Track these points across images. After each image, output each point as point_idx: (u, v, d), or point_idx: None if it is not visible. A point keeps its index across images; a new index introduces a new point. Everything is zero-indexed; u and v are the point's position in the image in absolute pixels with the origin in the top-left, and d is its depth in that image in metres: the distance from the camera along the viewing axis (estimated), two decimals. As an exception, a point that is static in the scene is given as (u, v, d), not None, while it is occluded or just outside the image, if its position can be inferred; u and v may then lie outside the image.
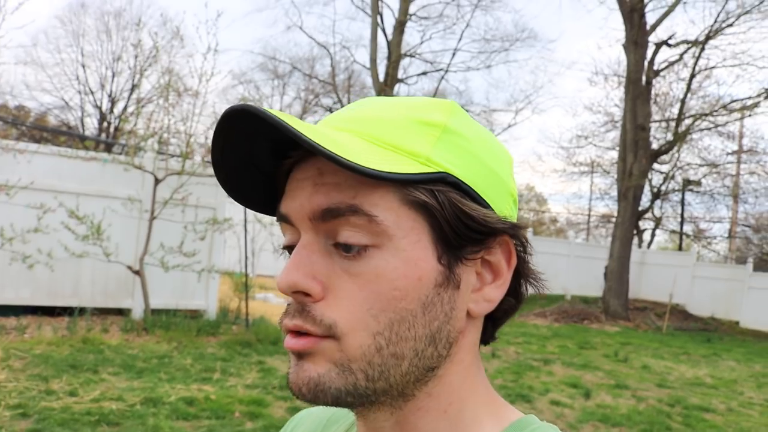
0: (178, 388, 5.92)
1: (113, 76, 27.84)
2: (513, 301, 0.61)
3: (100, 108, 27.87)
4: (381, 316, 0.53)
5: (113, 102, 27.92)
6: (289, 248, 0.59)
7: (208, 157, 9.01)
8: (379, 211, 0.53)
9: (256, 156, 0.59)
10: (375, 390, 0.54)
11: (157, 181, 8.37)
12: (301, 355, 0.54)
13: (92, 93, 27.85)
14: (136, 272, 8.28)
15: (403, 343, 0.53)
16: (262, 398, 5.94)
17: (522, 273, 0.60)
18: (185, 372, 6.56)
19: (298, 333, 0.54)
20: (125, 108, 27.81)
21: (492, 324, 0.63)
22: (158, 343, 7.63)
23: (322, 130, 0.53)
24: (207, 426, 5.08)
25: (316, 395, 0.53)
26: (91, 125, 28.42)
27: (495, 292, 0.58)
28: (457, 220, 0.55)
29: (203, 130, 9.08)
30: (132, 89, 27.49)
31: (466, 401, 0.59)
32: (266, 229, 12.86)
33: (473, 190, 0.56)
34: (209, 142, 8.98)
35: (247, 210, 9.77)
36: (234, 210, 11.41)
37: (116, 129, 27.43)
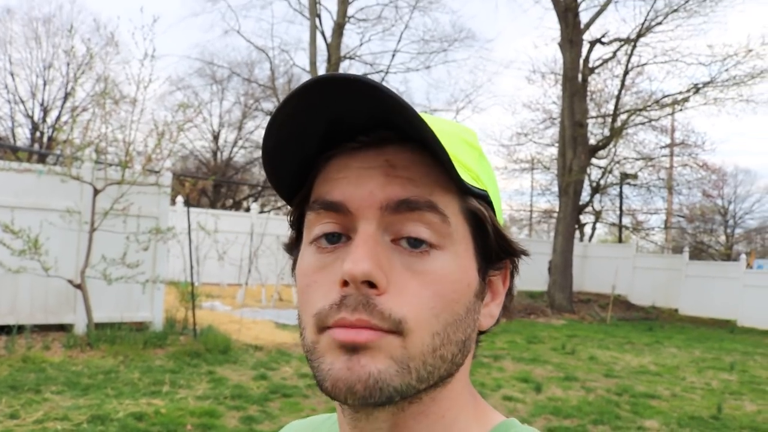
0: (126, 404, 5.75)
1: (45, 85, 26.93)
2: (501, 318, 0.64)
3: (32, 117, 26.91)
4: (441, 317, 0.53)
5: (45, 111, 27.00)
6: (328, 236, 0.56)
7: (148, 165, 8.79)
8: (450, 213, 0.54)
9: (306, 134, 0.55)
10: (418, 391, 0.54)
11: (96, 192, 8.12)
12: (355, 349, 0.51)
13: (23, 102, 26.87)
14: (77, 286, 8.02)
15: (449, 346, 0.54)
16: (214, 409, 5.83)
17: (509, 293, 0.63)
18: (133, 386, 6.38)
19: (366, 326, 0.52)
20: (59, 117, 26.94)
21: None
22: (103, 358, 7.39)
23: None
24: (158, 441, 4.95)
25: (372, 393, 0.51)
26: (23, 135, 27.42)
27: (496, 310, 0.61)
28: (495, 237, 0.58)
29: (142, 138, 8.85)
30: (65, 97, 26.65)
31: (462, 407, 0.60)
32: (210, 237, 12.65)
33: (494, 212, 0.59)
34: (148, 150, 8.77)
35: (191, 218, 9.59)
36: (177, 218, 11.18)
37: (50, 139, 26.53)
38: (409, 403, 0.56)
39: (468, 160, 0.58)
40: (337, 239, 0.55)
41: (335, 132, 0.55)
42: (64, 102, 26.83)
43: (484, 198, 0.57)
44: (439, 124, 0.59)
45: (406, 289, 0.52)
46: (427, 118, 0.57)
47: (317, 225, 0.56)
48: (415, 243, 0.53)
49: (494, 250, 0.58)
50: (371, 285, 0.51)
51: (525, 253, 0.61)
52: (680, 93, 19.77)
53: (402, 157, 0.54)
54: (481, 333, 0.62)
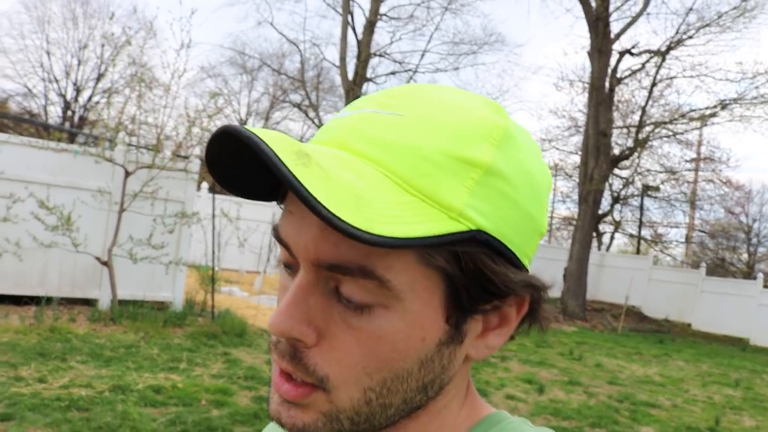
0: (146, 377, 6.07)
1: (79, 65, 27.50)
2: (509, 339, 0.59)
3: (64, 96, 27.50)
4: (375, 375, 0.50)
5: (78, 91, 27.58)
6: (287, 266, 0.55)
7: (178, 152, 9.13)
8: (393, 274, 0.48)
9: (247, 166, 0.54)
10: (359, 430, 0.53)
11: (127, 174, 8.47)
12: (293, 403, 0.52)
13: (57, 81, 27.48)
14: (104, 263, 8.37)
15: (392, 396, 0.52)
16: (228, 387, 6.12)
17: (530, 318, 0.57)
18: (152, 361, 6.70)
19: (290, 377, 0.52)
20: (91, 97, 27.49)
21: None
22: (125, 333, 7.74)
23: (342, 177, 0.46)
24: (174, 413, 5.24)
25: None
26: (55, 113, 28.03)
27: (497, 340, 0.56)
28: (476, 282, 0.50)
29: (173, 125, 9.18)
30: (98, 78, 27.16)
31: (447, 418, 0.59)
32: (232, 224, 12.98)
33: (502, 244, 0.51)
34: (180, 137, 9.10)
35: (215, 205, 9.91)
36: (202, 204, 11.51)
37: (81, 118, 27.12)
38: (386, 428, 0.55)
39: (449, 192, 0.48)
40: (292, 269, 0.54)
41: None
42: (96, 83, 27.37)
43: (470, 239, 0.49)
44: (416, 133, 0.50)
45: (338, 344, 0.50)
46: (402, 125, 0.51)
47: (281, 247, 0.54)
48: (350, 302, 0.49)
49: (476, 296, 0.51)
50: (297, 339, 0.50)
51: (535, 290, 0.54)
52: (707, 108, 19.76)
53: None
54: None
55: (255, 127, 0.46)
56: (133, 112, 9.06)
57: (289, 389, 0.51)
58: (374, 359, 0.50)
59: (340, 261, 0.48)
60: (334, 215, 0.42)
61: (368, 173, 0.48)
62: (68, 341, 7.02)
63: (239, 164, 0.53)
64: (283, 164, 0.43)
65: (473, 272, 0.50)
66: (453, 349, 0.53)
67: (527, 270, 0.55)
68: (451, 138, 0.50)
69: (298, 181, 0.42)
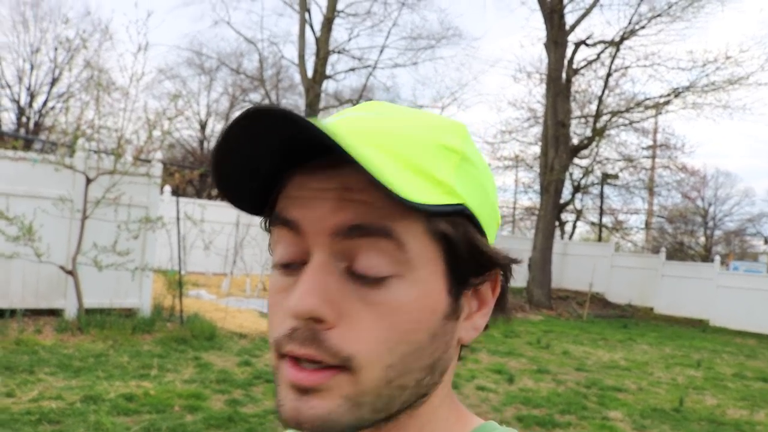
0: (117, 385, 6.02)
1: (32, 69, 26.88)
2: (487, 327, 0.62)
3: (18, 102, 26.87)
4: (396, 349, 0.51)
5: (32, 96, 26.97)
6: (286, 267, 0.55)
7: (140, 156, 9.03)
8: (408, 239, 0.51)
9: (256, 156, 0.53)
10: (376, 420, 0.53)
11: (88, 181, 8.36)
12: (305, 390, 0.51)
13: (9, 86, 26.83)
14: (69, 272, 8.26)
15: (409, 375, 0.53)
16: (200, 392, 6.11)
17: (501, 302, 0.60)
18: (122, 369, 6.65)
19: (304, 362, 0.51)
20: (46, 102, 26.91)
21: (463, 346, 0.63)
22: (94, 342, 7.65)
23: (353, 143, 0.47)
24: (148, 420, 5.22)
25: (322, 430, 0.51)
26: (9, 120, 27.36)
27: (481, 321, 0.58)
28: (469, 253, 0.54)
29: (133, 129, 9.08)
30: (53, 83, 26.59)
31: (440, 420, 0.60)
32: (197, 227, 12.89)
33: (480, 224, 0.56)
34: (140, 140, 9.00)
35: (180, 208, 9.83)
36: (165, 208, 11.41)
37: (36, 124, 26.53)
38: (387, 422, 0.56)
39: (440, 171, 0.53)
40: (295, 266, 0.55)
41: (295, 151, 0.53)
42: (51, 87, 26.79)
43: (460, 213, 0.53)
44: (401, 125, 0.56)
45: (358, 322, 0.50)
46: (377, 116, 0.57)
47: (278, 246, 0.56)
48: (369, 274, 0.51)
49: (471, 266, 0.55)
50: (319, 319, 0.50)
51: (512, 262, 0.59)
52: (661, 96, 20.22)
53: (358, 179, 0.50)
54: (464, 346, 0.61)
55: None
56: (92, 116, 8.94)
57: (308, 375, 0.50)
58: (395, 332, 0.51)
59: (360, 221, 0.50)
60: (378, 175, 0.46)
61: (375, 152, 0.51)
62: (35, 353, 6.92)
63: (253, 155, 0.53)
64: (332, 136, 0.45)
65: (466, 243, 0.54)
66: (453, 326, 0.56)
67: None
68: (431, 130, 0.56)
69: (351, 147, 0.45)
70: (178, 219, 9.68)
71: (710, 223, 34.67)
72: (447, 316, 0.54)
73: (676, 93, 19.42)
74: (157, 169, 9.40)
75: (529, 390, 7.62)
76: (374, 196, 0.50)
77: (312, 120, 0.45)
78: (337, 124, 0.55)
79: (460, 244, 0.54)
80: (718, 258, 19.56)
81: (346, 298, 0.51)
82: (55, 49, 25.74)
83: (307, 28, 21.37)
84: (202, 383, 6.45)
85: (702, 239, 34.42)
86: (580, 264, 21.43)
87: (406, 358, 0.52)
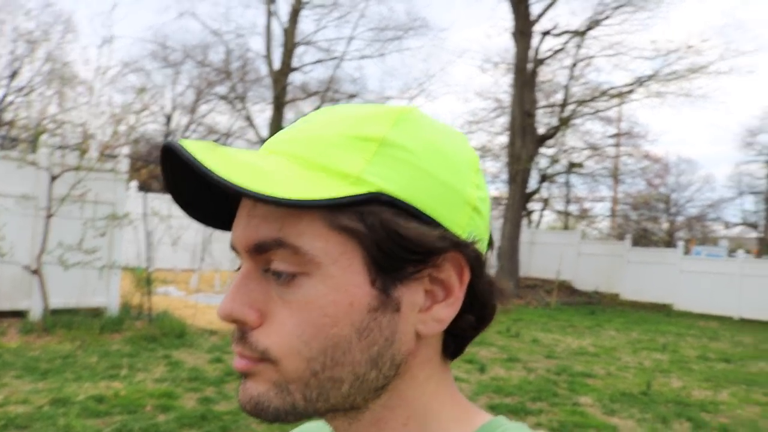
0: (86, 387, 5.94)
1: (-11, 63, 26.16)
2: (472, 318, 0.59)
3: (-25, 97, 26.15)
4: (313, 343, 0.53)
5: (-10, 90, 26.26)
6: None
7: (105, 151, 8.88)
8: (305, 241, 0.52)
9: (191, 186, 0.60)
10: (316, 409, 0.55)
11: (52, 178, 8.19)
12: (245, 375, 0.56)
13: (-34, 81, 26.07)
14: (34, 272, 8.10)
15: (339, 368, 0.53)
16: (172, 391, 6.05)
17: (476, 289, 0.58)
18: (91, 370, 6.56)
19: (242, 355, 0.55)
20: (4, 97, 26.26)
21: (453, 340, 0.61)
22: (61, 343, 7.53)
23: (247, 159, 0.52)
24: (119, 421, 5.16)
25: (258, 412, 0.55)
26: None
27: (445, 311, 0.56)
28: (390, 241, 0.52)
29: (98, 124, 8.92)
30: (12, 76, 25.94)
31: (429, 415, 0.59)
32: (164, 223, 12.73)
33: (413, 206, 0.53)
34: (106, 136, 8.85)
35: (147, 204, 9.70)
36: (132, 204, 11.24)
37: (-5, 119, 25.87)
38: (359, 412, 0.57)
39: (346, 163, 0.53)
40: None
41: None
42: (10, 81, 26.13)
43: (374, 200, 0.52)
44: (316, 127, 0.57)
45: (276, 319, 0.54)
46: (302, 123, 0.59)
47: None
48: (278, 275, 0.54)
49: (394, 255, 0.53)
50: (241, 321, 0.55)
51: (461, 244, 0.55)
52: (625, 85, 20.51)
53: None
54: (455, 335, 0.60)
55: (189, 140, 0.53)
56: (55, 111, 8.76)
57: (239, 361, 0.55)
58: (307, 326, 0.52)
59: (260, 239, 0.53)
60: (236, 185, 0.48)
61: (274, 159, 0.54)
62: None
63: (191, 183, 0.58)
64: (188, 151, 0.49)
65: (382, 230, 0.52)
66: (391, 319, 0.54)
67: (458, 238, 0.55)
68: (349, 125, 0.56)
69: (195, 159, 0.49)
70: (145, 215, 9.55)
71: (673, 210, 35.34)
72: (374, 309, 0.53)
73: (640, 82, 19.73)
74: (124, 165, 9.25)
75: (500, 379, 7.71)
76: (267, 209, 0.53)
77: (188, 150, 0.49)
78: (269, 140, 0.59)
79: (371, 234, 0.52)
80: (681, 243, 19.96)
81: (269, 299, 0.54)
82: (14, 41, 25.10)
83: (274, 20, 21.21)
84: (174, 382, 6.40)
85: (665, 225, 35.08)
86: (548, 252, 21.68)
87: (329, 352, 0.53)
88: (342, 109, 0.60)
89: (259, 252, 0.54)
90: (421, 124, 0.58)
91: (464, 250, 0.55)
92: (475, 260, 0.56)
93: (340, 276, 0.53)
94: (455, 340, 0.61)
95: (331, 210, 0.52)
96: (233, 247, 0.58)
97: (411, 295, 0.55)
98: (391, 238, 0.52)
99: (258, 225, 0.54)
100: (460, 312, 0.57)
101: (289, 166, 0.53)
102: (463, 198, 0.56)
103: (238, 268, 0.58)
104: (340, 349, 0.53)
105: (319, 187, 0.51)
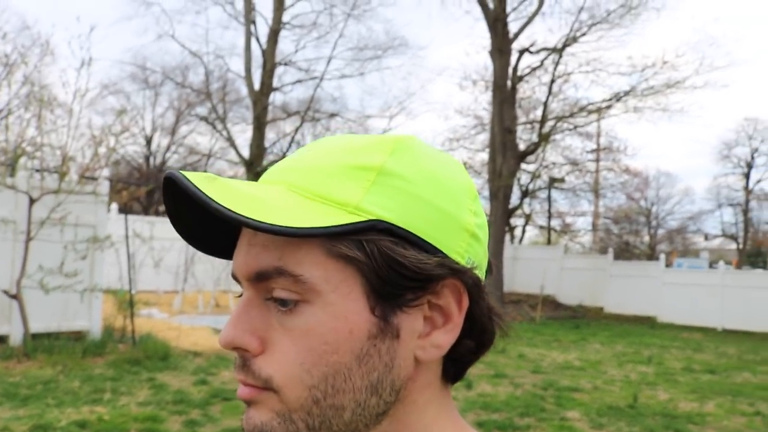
0: (69, 412, 5.83)
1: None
2: (471, 343, 0.60)
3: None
4: (314, 370, 0.53)
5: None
6: None
7: (85, 174, 8.80)
8: (305, 269, 0.53)
9: (195, 219, 0.61)
10: None
11: (32, 201, 8.09)
12: (249, 403, 0.56)
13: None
14: (13, 296, 7.97)
15: (341, 395, 0.54)
16: (157, 414, 5.97)
17: (475, 314, 0.58)
18: (74, 395, 6.45)
19: (245, 383, 0.56)
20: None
21: (453, 364, 0.61)
22: (42, 368, 7.40)
23: (246, 189, 0.54)
24: (103, 446, 5.08)
25: None
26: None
27: (444, 338, 0.56)
28: (389, 269, 0.53)
29: (78, 146, 8.84)
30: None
31: None
32: (145, 245, 12.63)
33: (412, 234, 0.54)
34: (86, 158, 8.78)
35: (128, 226, 9.62)
36: (113, 226, 11.14)
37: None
38: None
39: (344, 192, 0.54)
40: None
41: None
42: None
43: (372, 229, 0.53)
44: (316, 157, 0.58)
45: (277, 347, 0.54)
46: (303, 152, 0.60)
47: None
48: (280, 302, 0.54)
49: (393, 282, 0.53)
50: (242, 349, 0.55)
51: (458, 271, 0.55)
52: (603, 101, 20.77)
53: None
54: (454, 359, 0.60)
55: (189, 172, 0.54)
56: (33, 134, 8.68)
57: (243, 389, 0.56)
58: (308, 354, 0.53)
59: (260, 268, 0.54)
60: (236, 214, 0.49)
61: (273, 189, 0.55)
62: (-20, 382, 6.65)
63: (193, 213, 0.59)
64: (189, 181, 0.51)
65: (381, 258, 0.53)
66: (390, 345, 0.54)
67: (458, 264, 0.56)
68: (348, 155, 0.57)
69: (196, 187, 0.50)
70: (126, 237, 9.47)
71: (653, 223, 35.69)
72: (373, 336, 0.54)
73: (618, 97, 19.99)
74: (104, 187, 9.18)
75: (487, 395, 7.69)
76: (267, 238, 0.54)
77: (188, 180, 0.51)
78: (269, 169, 0.61)
79: (370, 262, 0.53)
80: (663, 256, 20.14)
81: (270, 327, 0.55)
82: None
83: (253, 41, 21.25)
84: (158, 405, 6.31)
85: (646, 238, 35.39)
86: (531, 267, 21.75)
87: (329, 379, 0.53)
88: (341, 138, 0.60)
89: (260, 280, 0.55)
90: (419, 152, 0.59)
91: (462, 276, 0.56)
92: (473, 286, 0.57)
93: (339, 303, 0.53)
94: (455, 365, 0.61)
95: (330, 238, 0.53)
96: (234, 276, 0.59)
97: (410, 321, 0.55)
98: (389, 265, 0.53)
99: (258, 254, 0.55)
100: (460, 337, 0.57)
101: (288, 196, 0.54)
102: (461, 225, 0.57)
103: (240, 296, 0.59)
104: (341, 376, 0.53)
105: (318, 215, 0.52)
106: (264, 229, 0.49)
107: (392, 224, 0.53)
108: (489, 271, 0.63)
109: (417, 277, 0.54)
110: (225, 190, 0.52)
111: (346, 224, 0.52)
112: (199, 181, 0.51)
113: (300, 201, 0.54)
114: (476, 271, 0.57)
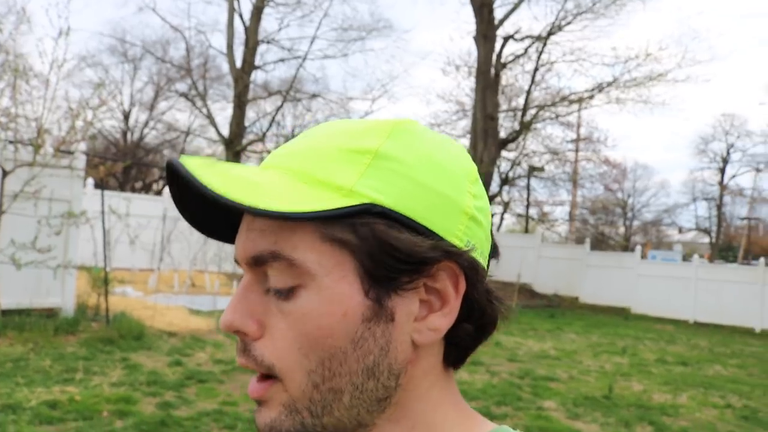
0: (39, 392, 5.71)
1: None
2: (470, 327, 0.59)
3: None
4: (311, 355, 0.53)
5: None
6: None
7: (61, 147, 8.58)
8: (300, 253, 0.53)
9: (199, 205, 0.61)
10: (324, 425, 0.55)
11: (5, 174, 7.87)
12: (259, 402, 0.57)
13: None
14: (-17, 271, 7.78)
15: (338, 378, 0.54)
16: (130, 395, 5.87)
17: (473, 297, 0.57)
18: (45, 374, 6.31)
19: (259, 378, 0.56)
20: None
21: (454, 349, 0.60)
22: (12, 346, 7.24)
23: (243, 174, 0.54)
24: (74, 428, 4.97)
25: None
26: None
27: (441, 321, 0.55)
28: (382, 252, 0.53)
29: (54, 119, 8.62)
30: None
31: (433, 425, 0.58)
32: (121, 221, 12.42)
33: (406, 217, 0.54)
34: (62, 131, 8.57)
35: (104, 201, 9.42)
36: (89, 202, 10.93)
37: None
38: (366, 429, 0.57)
39: (339, 176, 0.54)
40: None
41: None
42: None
43: (366, 212, 0.53)
44: (314, 140, 0.58)
45: (276, 332, 0.54)
46: (302, 137, 0.60)
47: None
48: (278, 290, 0.55)
49: (387, 265, 0.53)
50: (242, 332, 0.56)
51: (454, 254, 0.55)
52: (586, 91, 20.82)
53: None
54: (456, 344, 0.59)
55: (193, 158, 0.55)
56: (7, 104, 8.42)
57: (253, 388, 0.56)
58: (304, 338, 0.53)
59: (257, 252, 0.55)
60: (230, 199, 0.49)
61: (271, 173, 0.56)
62: (-53, 358, 6.49)
63: (196, 199, 0.59)
64: (186, 168, 0.51)
65: (374, 242, 0.53)
66: (385, 328, 0.54)
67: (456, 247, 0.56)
68: (345, 138, 0.57)
69: (192, 175, 0.51)
70: (102, 213, 9.28)
71: (629, 214, 36.05)
72: (367, 319, 0.54)
73: (600, 88, 20.04)
74: (80, 161, 8.97)
75: (464, 383, 7.69)
76: (266, 221, 0.54)
77: (186, 167, 0.51)
78: (270, 153, 0.61)
79: (363, 245, 0.53)
80: (639, 247, 20.32)
81: (268, 311, 0.55)
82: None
83: (236, 17, 20.93)
84: (132, 386, 6.20)
85: (622, 229, 35.75)
86: (508, 255, 21.80)
87: (326, 363, 0.54)
88: (341, 123, 0.60)
89: (257, 264, 0.55)
90: (417, 135, 0.58)
91: (458, 259, 0.55)
92: (470, 269, 0.56)
93: (333, 287, 0.53)
94: (456, 350, 0.60)
95: (323, 222, 0.53)
96: (236, 260, 0.59)
97: (406, 304, 0.55)
98: (383, 248, 0.53)
99: (255, 238, 0.55)
100: (458, 321, 0.57)
101: (284, 180, 0.54)
102: (459, 207, 0.57)
103: (241, 278, 0.59)
104: (337, 359, 0.54)
105: (313, 199, 0.52)
106: (258, 213, 0.51)
107: (386, 207, 0.53)
108: (495, 254, 0.63)
109: (410, 260, 0.53)
110: (223, 175, 0.52)
111: (340, 208, 0.52)
112: (198, 167, 0.52)
113: (296, 185, 0.54)
114: (476, 254, 0.57)
